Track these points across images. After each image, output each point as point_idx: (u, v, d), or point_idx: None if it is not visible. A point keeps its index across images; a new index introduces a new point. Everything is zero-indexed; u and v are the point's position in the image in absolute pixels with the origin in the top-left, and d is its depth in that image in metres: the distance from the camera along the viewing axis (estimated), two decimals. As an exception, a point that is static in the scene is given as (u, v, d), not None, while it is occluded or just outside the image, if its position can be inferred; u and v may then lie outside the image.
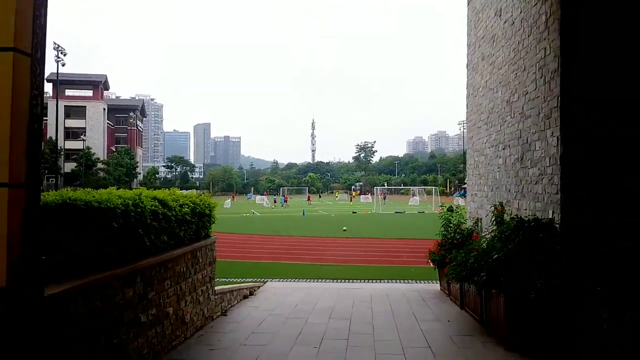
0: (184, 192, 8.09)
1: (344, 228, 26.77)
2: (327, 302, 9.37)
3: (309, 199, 72.39)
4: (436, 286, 11.65)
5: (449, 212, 10.73)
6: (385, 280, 12.66)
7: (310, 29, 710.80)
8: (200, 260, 7.29)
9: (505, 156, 8.26)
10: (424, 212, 44.01)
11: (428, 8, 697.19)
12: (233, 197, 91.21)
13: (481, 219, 9.95)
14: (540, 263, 5.76)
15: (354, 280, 12.69)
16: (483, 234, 9.46)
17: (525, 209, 7.19)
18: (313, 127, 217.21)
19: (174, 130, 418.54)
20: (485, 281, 6.61)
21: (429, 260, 10.73)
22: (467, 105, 11.45)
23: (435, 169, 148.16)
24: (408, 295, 10.50)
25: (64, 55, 47.32)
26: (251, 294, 10.47)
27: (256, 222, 34.11)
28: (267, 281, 12.53)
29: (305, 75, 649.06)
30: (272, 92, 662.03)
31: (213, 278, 7.99)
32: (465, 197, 58.69)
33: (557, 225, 6.03)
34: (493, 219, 8.38)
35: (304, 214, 41.87)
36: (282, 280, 12.88)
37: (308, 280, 12.83)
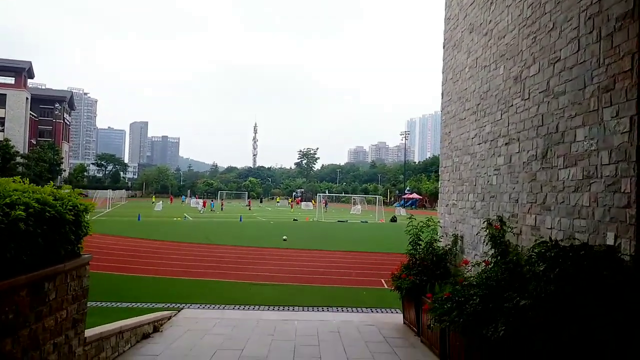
0: (63, 190, 5.23)
1: (284, 237, 24.17)
2: (259, 347, 6.77)
3: (249, 204, 69.31)
4: (397, 317, 9.34)
5: (418, 226, 8.45)
6: (334, 308, 10.19)
7: (257, 29, 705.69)
8: (53, 297, 4.49)
9: (509, 153, 6.05)
10: (367, 222, 42.25)
11: (382, 18, 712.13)
12: (171, 199, 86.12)
13: (462, 237, 7.74)
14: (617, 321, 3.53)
15: (295, 308, 10.12)
16: (468, 258, 7.23)
17: (551, 228, 4.97)
18: (255, 131, 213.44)
19: (109, 127, 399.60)
20: (504, 337, 4.31)
21: (393, 287, 8.38)
22: (442, 93, 9.27)
23: (376, 179, 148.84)
24: (365, 331, 8.09)
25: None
26: (155, 330, 7.66)
27: (185, 229, 30.77)
28: (182, 308, 9.72)
29: (249, 79, 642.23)
30: (214, 93, 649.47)
31: (82, 320, 5.18)
32: (405, 207, 58.41)
33: (627, 256, 3.82)
34: (486, 238, 6.17)
35: (240, 220, 38.88)
36: (203, 306, 10.08)
37: (237, 306, 10.11)
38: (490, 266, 6.03)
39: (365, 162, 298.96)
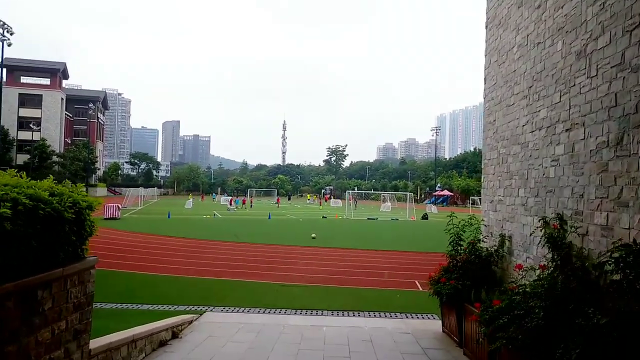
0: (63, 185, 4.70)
1: (313, 235, 23.57)
2: (284, 358, 6.13)
3: (278, 202, 68.81)
4: (435, 324, 8.58)
5: (459, 225, 7.63)
6: (365, 313, 9.47)
7: (285, 30, 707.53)
8: (48, 306, 3.96)
9: (571, 141, 5.22)
10: (397, 220, 41.29)
11: (409, 9, 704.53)
12: (202, 197, 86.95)
13: (510, 237, 6.90)
14: None
15: (324, 312, 9.45)
16: (518, 261, 6.42)
17: (629, 228, 4.14)
18: (284, 129, 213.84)
19: (142, 126, 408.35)
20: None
21: (431, 291, 7.61)
22: (485, 78, 8.41)
23: (406, 176, 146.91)
24: (400, 341, 7.36)
25: (11, 34, 42.48)
26: (174, 336, 7.13)
27: (214, 226, 30.54)
28: (206, 311, 9.20)
29: (277, 76, 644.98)
30: (244, 91, 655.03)
31: (86, 330, 4.65)
32: (436, 204, 57.17)
33: None
34: (542, 239, 5.36)
35: (269, 218, 38.52)
36: (227, 309, 9.53)
37: (263, 310, 9.52)
38: (547, 272, 5.24)
39: (395, 158, 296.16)
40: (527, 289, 5.23)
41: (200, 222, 33.03)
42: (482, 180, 8.43)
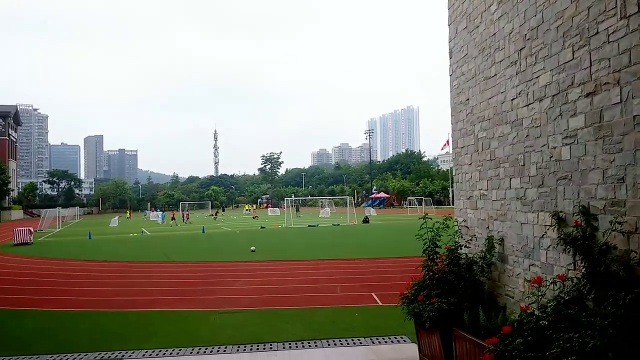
0: None
1: (252, 248, 21.67)
2: None
3: (215, 214, 65.24)
4: (410, 349, 7.13)
5: (435, 227, 6.23)
6: (323, 342, 7.83)
7: (213, 34, 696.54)
8: None
9: (597, 108, 3.91)
10: (339, 225, 40.13)
11: (337, 15, 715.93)
12: (129, 214, 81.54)
13: (501, 239, 5.58)
14: None
15: (272, 345, 7.72)
16: (516, 269, 5.08)
17: None
18: (215, 139, 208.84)
19: (62, 143, 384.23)
20: None
21: (406, 312, 6.13)
22: (451, 52, 7.10)
23: (341, 180, 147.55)
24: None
25: None
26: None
27: (141, 245, 27.78)
28: (122, 358, 7.20)
29: (207, 86, 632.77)
30: (172, 102, 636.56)
31: None
32: (374, 207, 56.83)
33: None
34: (558, 241, 4.04)
35: (203, 232, 36.02)
36: (151, 353, 7.55)
37: (197, 350, 7.63)
38: (571, 283, 3.92)
39: (329, 164, 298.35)
40: (549, 308, 3.86)
41: (126, 242, 30.02)
42: (453, 174, 7.09)
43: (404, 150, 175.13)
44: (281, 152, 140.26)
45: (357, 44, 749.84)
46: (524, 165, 5.05)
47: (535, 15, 4.80)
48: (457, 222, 6.80)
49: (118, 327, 9.15)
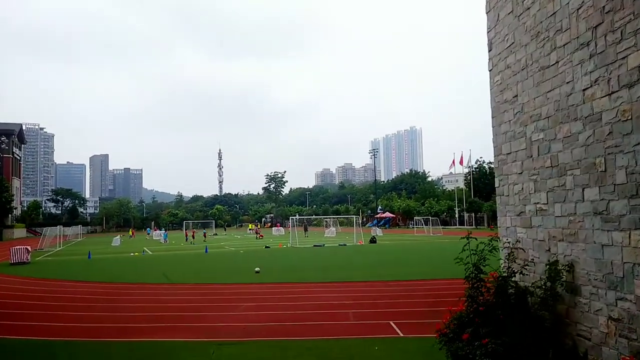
0: None
1: (257, 269, 20.50)
2: None
3: (186, 236, 58.95)
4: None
5: (479, 249, 5.14)
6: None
7: (218, 53, 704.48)
8: None
9: None
10: (345, 245, 38.87)
11: (340, 37, 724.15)
12: (132, 233, 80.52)
13: (571, 265, 4.48)
14: None
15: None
16: (595, 303, 3.98)
17: None
18: (220, 158, 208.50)
19: (68, 162, 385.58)
20: None
21: (444, 353, 5.00)
22: (491, 43, 6.09)
23: (345, 200, 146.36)
24: None
25: None
26: None
27: (142, 265, 26.62)
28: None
29: (211, 106, 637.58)
30: (176, 121, 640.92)
31: None
32: (379, 227, 55.68)
33: None
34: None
35: (206, 251, 34.85)
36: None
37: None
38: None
39: (333, 184, 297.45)
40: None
41: (126, 262, 28.86)
42: (497, 186, 6.02)
43: (407, 171, 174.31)
44: (285, 172, 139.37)
45: (360, 65, 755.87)
46: (605, 170, 3.98)
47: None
48: (502, 243, 5.69)
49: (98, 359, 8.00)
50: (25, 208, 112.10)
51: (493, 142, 6.02)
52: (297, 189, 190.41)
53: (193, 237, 55.90)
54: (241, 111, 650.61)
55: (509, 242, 5.64)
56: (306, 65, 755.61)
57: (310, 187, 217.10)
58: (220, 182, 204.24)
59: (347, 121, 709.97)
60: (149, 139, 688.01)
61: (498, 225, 6.00)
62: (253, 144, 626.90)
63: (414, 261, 24.37)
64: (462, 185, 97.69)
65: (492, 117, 6.03)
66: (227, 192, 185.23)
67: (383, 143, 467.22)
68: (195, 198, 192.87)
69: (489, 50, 6.12)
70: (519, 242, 5.54)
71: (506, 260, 5.45)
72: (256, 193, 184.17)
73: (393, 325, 9.97)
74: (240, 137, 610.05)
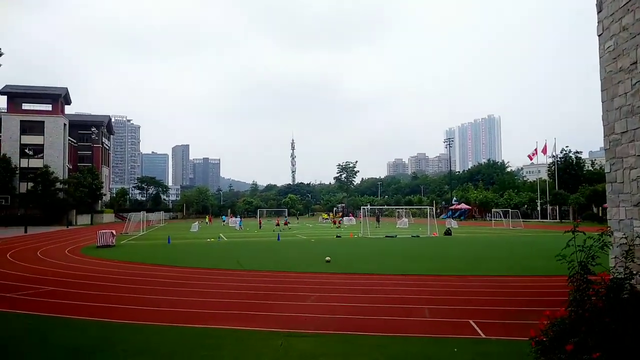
0: None
1: (327, 258, 20.23)
2: None
3: (285, 224, 60.72)
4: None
5: (587, 245, 4.34)
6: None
7: (290, 43, 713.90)
8: None
9: None
10: (418, 236, 37.74)
11: (413, 24, 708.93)
12: (210, 219, 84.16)
13: None
14: None
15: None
16: None
17: None
18: (293, 148, 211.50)
19: (152, 152, 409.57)
20: None
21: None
22: (601, 1, 5.16)
23: (418, 190, 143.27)
24: None
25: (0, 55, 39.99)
26: None
27: (216, 251, 27.29)
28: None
29: (284, 95, 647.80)
30: (252, 111, 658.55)
31: None
32: (454, 218, 53.64)
33: None
34: None
35: (278, 239, 35.23)
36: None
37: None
38: None
39: (406, 174, 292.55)
40: None
41: (202, 247, 29.78)
42: (607, 170, 5.11)
43: (485, 161, 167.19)
44: (357, 161, 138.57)
45: (434, 52, 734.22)
46: None
47: None
48: (613, 239, 4.81)
49: (164, 348, 7.94)
50: (113, 195, 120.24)
51: (603, 119, 5.09)
52: (368, 179, 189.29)
53: (286, 225, 57.91)
54: (314, 102, 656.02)
55: (625, 238, 4.74)
56: (379, 55, 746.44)
57: (382, 177, 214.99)
58: (293, 171, 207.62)
59: (420, 110, 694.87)
60: (226, 129, 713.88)
61: (608, 217, 5.09)
62: (325, 134, 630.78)
63: (493, 255, 22.97)
64: (545, 176, 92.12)
65: (602, 90, 5.10)
66: (299, 182, 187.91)
67: (458, 132, 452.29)
68: (269, 187, 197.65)
69: (599, 12, 5.19)
70: (622, 237, 4.63)
71: (622, 259, 4.58)
72: (328, 183, 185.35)
73: (473, 324, 9.18)
74: (313, 127, 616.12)
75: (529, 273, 16.45)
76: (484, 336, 8.37)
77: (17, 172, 75.38)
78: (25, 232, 48.02)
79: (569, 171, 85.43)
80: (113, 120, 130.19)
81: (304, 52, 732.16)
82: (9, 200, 74.78)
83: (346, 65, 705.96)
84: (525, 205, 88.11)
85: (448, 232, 40.31)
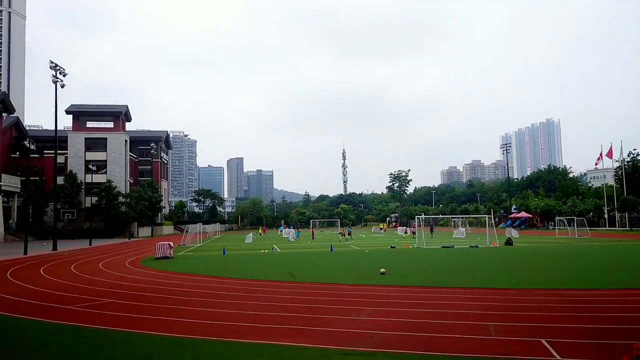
0: None
1: (382, 270, 19.59)
2: None
3: (342, 234, 59.17)
4: None
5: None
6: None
7: (340, 57, 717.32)
8: None
9: None
10: (477, 247, 36.20)
11: (465, 29, 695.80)
12: (264, 230, 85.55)
13: None
14: None
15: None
16: None
17: None
18: (344, 158, 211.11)
19: (209, 165, 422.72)
20: None
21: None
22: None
23: (474, 199, 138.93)
24: None
25: (64, 75, 42.42)
26: None
27: (270, 262, 27.24)
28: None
29: (334, 106, 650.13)
30: (303, 122, 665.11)
31: None
32: (514, 227, 51.35)
33: None
34: None
35: (331, 250, 34.86)
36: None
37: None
38: None
39: (460, 182, 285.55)
40: None
41: (255, 258, 29.88)
42: None
43: (544, 167, 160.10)
44: (409, 170, 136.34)
45: (487, 59, 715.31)
46: None
47: None
48: None
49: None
50: (172, 207, 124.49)
51: None
52: (421, 187, 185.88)
53: (349, 235, 57.61)
54: (365, 112, 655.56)
55: None
56: (431, 64, 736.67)
57: (436, 185, 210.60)
58: (344, 181, 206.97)
59: (474, 117, 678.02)
60: (278, 142, 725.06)
61: None
62: (377, 144, 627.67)
63: (561, 267, 21.52)
64: (611, 181, 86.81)
65: None
66: (351, 192, 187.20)
67: (515, 138, 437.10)
68: (321, 197, 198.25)
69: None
70: None
71: None
72: (380, 192, 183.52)
73: (545, 344, 8.36)
74: (364, 137, 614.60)
75: (603, 286, 15.16)
76: (559, 357, 7.55)
77: (82, 187, 79.43)
78: (90, 244, 50.28)
79: (638, 175, 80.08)
80: (171, 135, 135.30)
81: (354, 64, 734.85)
82: (75, 214, 79.03)
83: (397, 75, 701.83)
84: (591, 213, 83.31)
85: (509, 242, 38.46)
